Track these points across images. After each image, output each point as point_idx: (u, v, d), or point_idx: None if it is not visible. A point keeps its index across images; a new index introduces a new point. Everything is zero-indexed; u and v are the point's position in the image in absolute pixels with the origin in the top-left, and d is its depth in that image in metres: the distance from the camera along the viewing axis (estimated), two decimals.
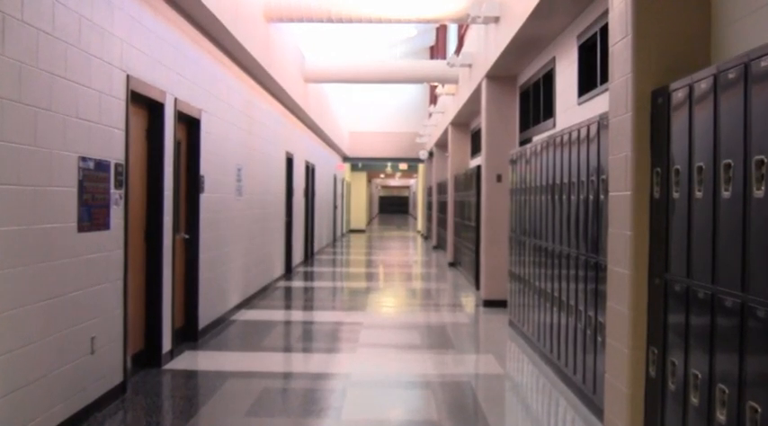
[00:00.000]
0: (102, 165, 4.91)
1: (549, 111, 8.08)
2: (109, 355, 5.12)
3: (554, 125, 7.74)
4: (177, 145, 6.63)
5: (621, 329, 3.96)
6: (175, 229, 6.56)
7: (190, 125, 7.20)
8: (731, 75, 2.99)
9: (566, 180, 5.72)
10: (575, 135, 5.48)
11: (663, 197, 3.67)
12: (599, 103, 6.09)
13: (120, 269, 5.28)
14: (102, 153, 4.91)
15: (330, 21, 9.42)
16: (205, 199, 7.49)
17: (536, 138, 8.49)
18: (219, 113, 8.07)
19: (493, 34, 9.13)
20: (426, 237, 26.87)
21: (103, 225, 4.95)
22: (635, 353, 3.85)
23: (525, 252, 7.33)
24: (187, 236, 7.15)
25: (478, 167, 11.48)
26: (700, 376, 3.23)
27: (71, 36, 4.49)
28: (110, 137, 5.05)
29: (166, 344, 6.36)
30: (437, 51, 24.55)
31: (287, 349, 7.43)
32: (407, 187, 70.49)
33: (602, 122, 4.82)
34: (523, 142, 9.33)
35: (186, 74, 6.82)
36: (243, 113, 9.28)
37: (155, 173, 6.09)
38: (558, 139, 5.98)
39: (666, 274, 3.61)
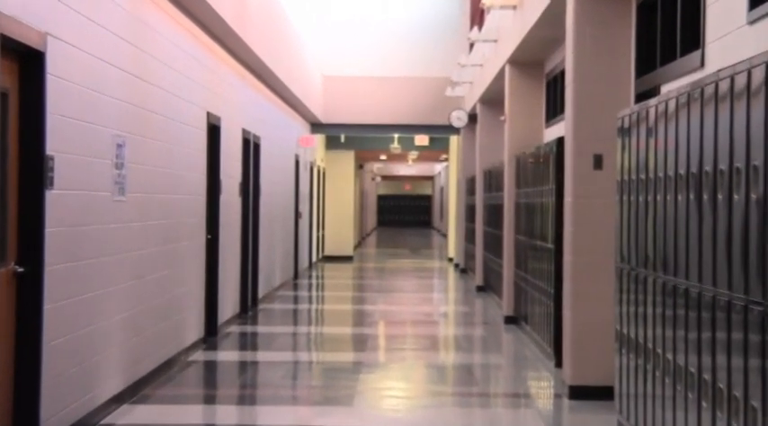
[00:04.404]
0: None
1: (692, 38, 8.07)
2: None
3: (702, 63, 7.75)
4: (1, 99, 6.58)
5: None
6: None
7: (25, 62, 7.19)
8: None
9: (723, 165, 5.71)
10: (741, 81, 5.46)
11: None
12: None
13: None
14: None
15: None
16: (56, 200, 7.47)
17: (666, 88, 8.49)
18: (82, 41, 8.07)
19: None
20: (464, 270, 26.89)
21: None
22: None
23: (648, 297, 7.32)
24: (21, 270, 7.11)
25: (560, 141, 11.43)
26: None
27: None
28: None
29: None
30: None
31: None
32: (430, 178, 70.93)
33: None
34: (643, 95, 9.32)
35: None
36: (127, 42, 9.30)
37: None
38: (711, 90, 5.97)
39: None
